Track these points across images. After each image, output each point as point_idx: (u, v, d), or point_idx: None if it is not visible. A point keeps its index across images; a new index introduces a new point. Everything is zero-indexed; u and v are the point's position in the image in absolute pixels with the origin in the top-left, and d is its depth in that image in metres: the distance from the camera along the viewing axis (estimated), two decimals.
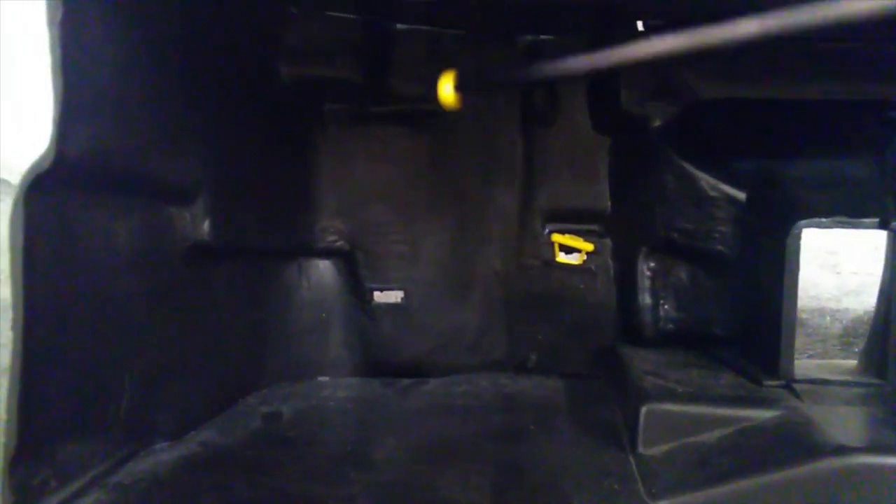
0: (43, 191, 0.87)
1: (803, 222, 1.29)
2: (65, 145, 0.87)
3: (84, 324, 1.01)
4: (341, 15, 1.57)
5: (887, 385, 1.28)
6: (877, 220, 1.29)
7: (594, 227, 1.77)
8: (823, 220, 1.30)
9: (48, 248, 0.91)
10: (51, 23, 0.84)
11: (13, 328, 0.84)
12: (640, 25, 1.55)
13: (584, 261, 1.76)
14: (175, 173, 1.23)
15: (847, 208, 1.31)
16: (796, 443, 1.06)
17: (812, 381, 1.29)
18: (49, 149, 0.85)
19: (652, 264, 1.69)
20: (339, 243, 1.74)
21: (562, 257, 1.76)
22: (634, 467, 1.13)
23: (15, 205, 0.83)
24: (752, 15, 0.96)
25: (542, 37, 1.70)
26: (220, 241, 1.34)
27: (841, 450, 1.01)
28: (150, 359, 1.17)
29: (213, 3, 1.28)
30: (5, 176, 0.83)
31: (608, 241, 1.77)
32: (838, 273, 1.35)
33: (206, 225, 1.30)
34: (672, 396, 1.24)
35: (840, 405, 1.22)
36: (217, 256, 1.39)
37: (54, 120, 0.85)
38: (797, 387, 1.26)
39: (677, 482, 1.06)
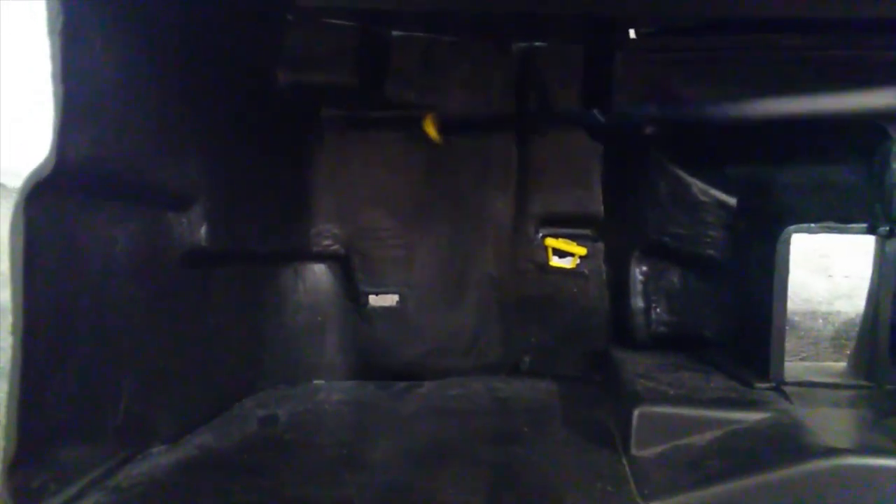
0: (43, 197, 0.88)
1: (792, 227, 1.31)
2: (65, 152, 0.88)
3: (83, 328, 1.02)
4: (338, 22, 1.59)
5: (875, 387, 1.30)
6: (864, 225, 1.31)
7: (587, 231, 1.78)
8: (812, 225, 1.31)
9: (48, 253, 0.92)
10: (51, 31, 0.85)
11: (13, 332, 0.85)
12: (632, 33, 1.57)
13: (578, 265, 1.77)
14: (173, 179, 1.24)
15: (835, 214, 1.32)
16: (786, 444, 1.08)
17: (802, 384, 1.30)
18: (49, 156, 0.87)
19: (644, 268, 1.70)
20: (334, 247, 1.75)
21: (555, 261, 1.78)
22: (627, 469, 1.15)
23: (15, 211, 0.84)
24: None
25: (537, 43, 1.72)
26: (217, 246, 1.35)
27: (829, 451, 1.02)
28: (147, 363, 1.18)
29: (212, 10, 1.29)
30: (4, 180, 0.84)
31: (601, 246, 1.78)
32: (830, 276, 1.37)
33: (203, 230, 1.31)
34: (664, 399, 1.25)
35: (829, 407, 1.23)
36: (214, 261, 1.40)
37: (55, 127, 0.86)
38: (787, 389, 1.27)
39: (669, 484, 1.07)
